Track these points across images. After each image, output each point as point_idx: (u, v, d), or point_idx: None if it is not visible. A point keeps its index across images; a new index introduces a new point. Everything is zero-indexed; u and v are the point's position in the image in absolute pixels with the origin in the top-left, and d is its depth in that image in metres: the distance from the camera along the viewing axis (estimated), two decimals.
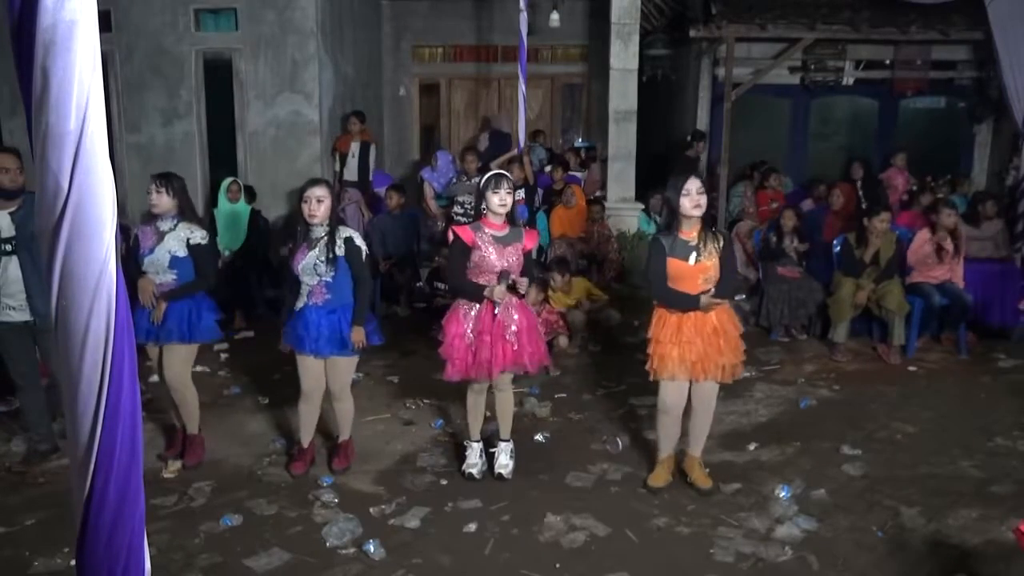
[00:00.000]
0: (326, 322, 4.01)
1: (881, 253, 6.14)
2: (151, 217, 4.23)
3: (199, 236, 4.16)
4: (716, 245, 3.85)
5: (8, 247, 4.06)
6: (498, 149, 9.15)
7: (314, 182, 4.03)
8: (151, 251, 4.13)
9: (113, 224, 1.28)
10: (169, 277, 4.14)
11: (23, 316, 4.14)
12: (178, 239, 4.13)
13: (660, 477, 4.11)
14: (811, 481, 4.14)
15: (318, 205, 3.95)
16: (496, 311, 3.96)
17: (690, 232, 3.85)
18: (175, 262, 4.12)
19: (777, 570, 3.40)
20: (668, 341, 3.89)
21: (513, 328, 3.97)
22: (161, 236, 4.14)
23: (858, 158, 8.81)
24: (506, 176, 4.01)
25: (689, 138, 9.34)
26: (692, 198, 3.79)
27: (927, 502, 3.93)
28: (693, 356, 3.85)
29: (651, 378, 4.00)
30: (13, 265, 4.07)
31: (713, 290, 3.82)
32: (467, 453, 4.27)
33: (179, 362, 4.21)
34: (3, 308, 4.11)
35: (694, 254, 3.82)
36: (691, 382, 3.95)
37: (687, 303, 3.83)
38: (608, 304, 6.80)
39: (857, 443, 4.59)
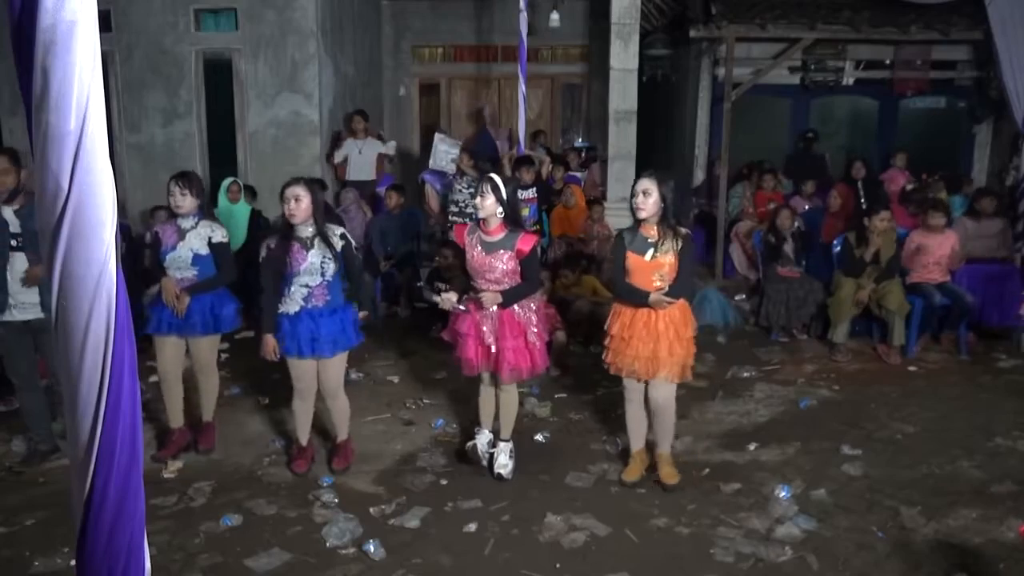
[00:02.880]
0: (329, 323, 4.01)
1: (882, 252, 6.14)
2: (171, 215, 4.32)
3: (220, 235, 4.29)
4: (675, 244, 3.87)
5: (15, 242, 4.07)
6: (483, 150, 9.16)
7: (292, 181, 4.03)
8: (173, 248, 4.22)
9: (113, 224, 1.28)
10: (190, 273, 4.24)
11: (23, 315, 4.14)
12: (200, 237, 4.23)
13: (633, 472, 4.16)
14: (811, 481, 4.15)
15: (296, 204, 3.94)
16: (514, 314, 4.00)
17: (650, 229, 3.91)
18: (197, 259, 4.24)
19: (777, 570, 3.40)
20: (620, 336, 3.98)
21: (534, 329, 4.02)
22: (183, 234, 4.23)
23: (860, 158, 8.80)
24: (490, 179, 3.95)
25: (810, 135, 9.40)
26: (637, 200, 3.85)
27: (927, 502, 3.93)
28: (645, 353, 3.90)
29: (609, 371, 4.09)
30: (20, 261, 4.07)
31: (667, 288, 3.86)
32: (475, 432, 4.31)
33: (206, 351, 4.40)
34: (9, 307, 4.11)
35: (651, 250, 3.88)
36: (648, 382, 4.00)
37: (637, 298, 3.90)
38: (609, 301, 6.79)
39: (857, 443, 4.59)
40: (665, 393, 3.99)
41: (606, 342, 4.08)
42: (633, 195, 3.87)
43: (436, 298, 4.03)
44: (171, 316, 4.21)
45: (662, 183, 3.88)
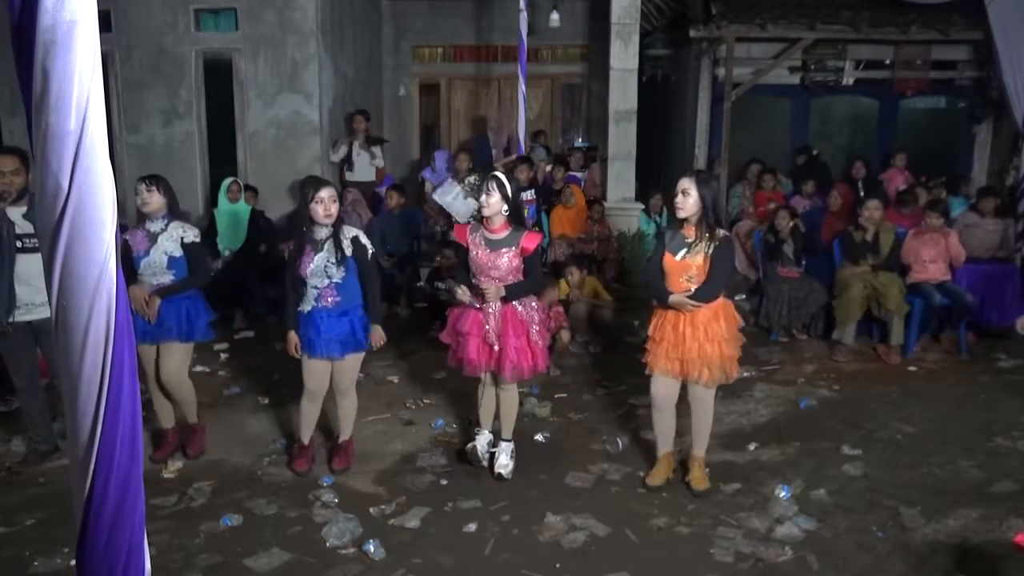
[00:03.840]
0: (337, 324, 4.01)
1: (882, 240, 6.16)
2: (139, 220, 4.25)
3: (192, 234, 4.22)
4: (707, 246, 3.81)
5: (27, 243, 4.00)
6: (480, 155, 9.10)
7: (323, 183, 4.01)
8: (146, 253, 4.14)
9: (113, 224, 1.28)
10: (167, 278, 4.18)
11: (30, 316, 4.11)
12: (172, 239, 4.17)
13: (658, 475, 4.12)
14: (811, 481, 4.14)
15: (332, 205, 3.95)
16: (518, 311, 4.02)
17: (689, 229, 3.87)
18: (172, 262, 4.17)
19: (777, 570, 3.40)
20: (658, 338, 3.96)
21: (535, 327, 4.04)
22: (154, 238, 4.16)
23: (860, 157, 8.80)
24: (495, 178, 3.96)
25: (815, 152, 9.47)
26: (677, 200, 3.83)
27: (927, 502, 3.93)
28: (674, 354, 3.89)
29: (646, 372, 4.05)
30: (35, 261, 3.96)
31: (693, 290, 3.82)
32: (475, 433, 4.32)
33: (177, 361, 4.26)
34: (18, 306, 4.07)
35: (683, 251, 3.86)
36: (687, 383, 3.98)
37: (660, 297, 3.90)
38: (608, 304, 6.79)
39: (857, 443, 4.59)
40: (699, 393, 3.98)
41: (647, 345, 4.06)
42: (674, 194, 3.85)
43: (457, 290, 4.01)
44: (143, 324, 4.12)
45: (703, 183, 3.79)
